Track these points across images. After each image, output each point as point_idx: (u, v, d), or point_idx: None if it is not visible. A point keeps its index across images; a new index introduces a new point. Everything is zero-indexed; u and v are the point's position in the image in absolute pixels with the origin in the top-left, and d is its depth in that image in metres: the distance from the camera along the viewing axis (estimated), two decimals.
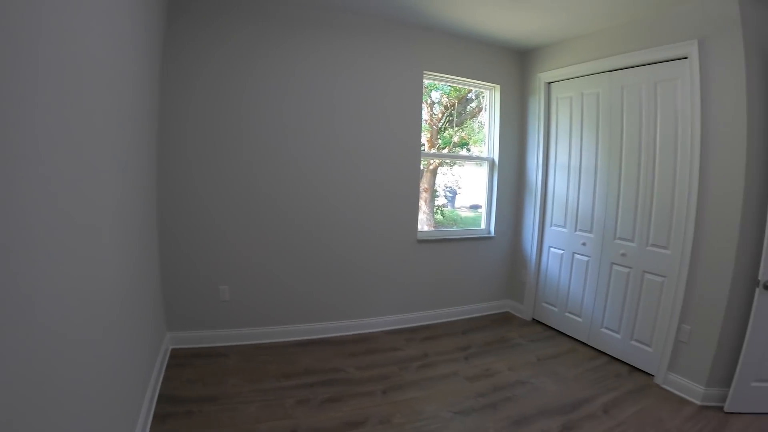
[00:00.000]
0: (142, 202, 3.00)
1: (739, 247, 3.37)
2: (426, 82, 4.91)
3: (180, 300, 3.94)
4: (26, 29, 1.15)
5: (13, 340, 1.10)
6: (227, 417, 2.98)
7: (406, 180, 4.72)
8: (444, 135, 6.40)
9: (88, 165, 1.71)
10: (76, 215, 1.59)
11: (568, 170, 4.87)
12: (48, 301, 1.33)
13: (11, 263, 1.10)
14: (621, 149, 4.27)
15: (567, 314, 4.89)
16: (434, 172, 6.56)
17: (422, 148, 5.09)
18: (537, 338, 4.80)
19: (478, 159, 5.68)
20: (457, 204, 6.92)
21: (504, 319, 5.38)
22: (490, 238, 5.40)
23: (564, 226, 4.93)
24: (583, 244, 4.68)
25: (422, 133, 4.84)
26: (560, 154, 4.96)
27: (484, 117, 5.54)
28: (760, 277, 3.26)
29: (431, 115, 6.23)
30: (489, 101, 5.40)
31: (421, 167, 5.00)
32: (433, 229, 5.85)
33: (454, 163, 6.53)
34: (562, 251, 4.96)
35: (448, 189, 6.98)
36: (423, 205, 6.27)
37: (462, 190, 6.70)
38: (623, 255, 4.27)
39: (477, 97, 5.95)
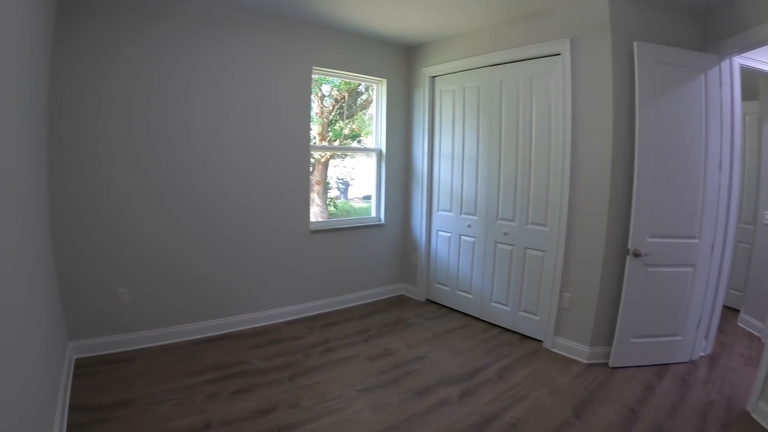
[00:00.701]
0: (34, 207, 2.83)
1: (609, 221, 3.82)
2: (315, 76, 4.98)
3: (80, 307, 3.73)
4: None
5: None
6: (141, 419, 2.93)
7: (296, 172, 4.77)
8: (335, 127, 6.50)
9: None
10: None
11: (452, 158, 5.19)
12: None
13: None
14: (500, 138, 4.65)
15: (458, 292, 5.24)
16: (326, 165, 6.64)
17: (314, 141, 5.18)
18: (432, 317, 5.08)
19: (366, 150, 5.86)
20: (350, 195, 7.04)
21: (400, 301, 5.62)
22: (381, 225, 5.60)
23: (450, 211, 5.27)
24: (469, 226, 5.04)
25: (313, 126, 4.92)
26: (444, 144, 5.27)
27: (373, 109, 5.74)
28: (629, 246, 3.73)
29: (322, 108, 6.31)
30: (376, 95, 5.58)
31: (312, 160, 5.09)
32: (326, 219, 5.95)
33: (346, 155, 6.66)
34: (449, 234, 5.29)
35: (341, 181, 7.11)
36: (316, 198, 6.34)
37: (355, 181, 6.85)
38: (506, 234, 4.67)
39: (367, 89, 6.11)
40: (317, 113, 6.20)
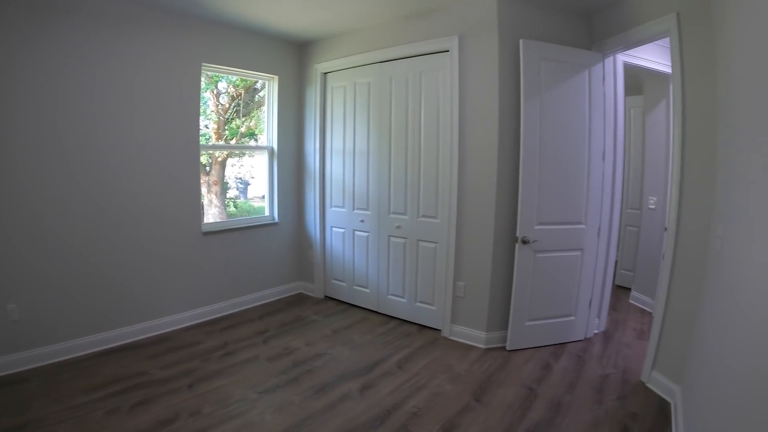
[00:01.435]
0: None
1: (497, 211, 3.94)
2: (209, 73, 4.79)
3: None
4: None
5: None
6: None
7: (186, 173, 4.51)
8: (231, 125, 6.31)
9: None
10: None
11: (343, 154, 5.15)
12: None
13: None
14: (390, 133, 4.67)
15: (356, 287, 5.20)
16: (223, 164, 6.42)
17: (210, 140, 4.97)
18: (331, 313, 5.03)
19: (257, 148, 5.72)
20: (250, 195, 6.85)
21: (298, 300, 5.51)
22: (275, 224, 5.46)
23: (343, 207, 5.22)
24: (362, 221, 5.02)
25: (210, 124, 4.71)
26: (336, 140, 5.22)
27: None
28: (518, 234, 3.84)
29: (218, 105, 6.09)
30: (268, 92, 5.43)
31: (209, 159, 4.87)
32: (223, 220, 5.75)
33: (244, 154, 6.47)
34: (343, 230, 5.25)
35: (240, 180, 6.91)
36: (214, 199, 6.13)
37: (255, 180, 6.67)
38: (398, 227, 4.69)
39: (264, 86, 5.97)
40: (213, 110, 5.97)
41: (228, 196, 6.73)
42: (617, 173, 4.30)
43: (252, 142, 6.27)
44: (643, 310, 5.27)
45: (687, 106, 3.14)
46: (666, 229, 3.42)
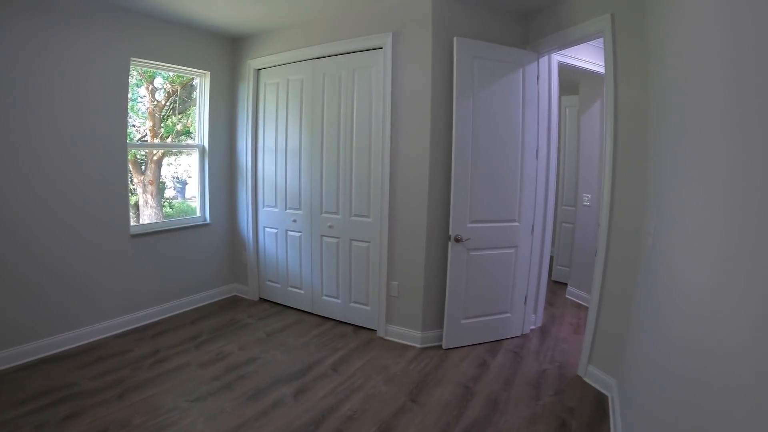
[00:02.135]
0: None
1: (429, 209, 3.94)
2: (140, 68, 4.57)
3: None
4: None
5: None
6: None
7: (113, 172, 4.28)
8: (167, 123, 6.10)
9: None
10: None
11: (275, 153, 5.05)
12: None
13: None
14: (322, 131, 4.61)
15: (290, 288, 5.11)
16: (159, 163, 6.22)
17: (146, 138, 4.77)
18: (265, 315, 4.92)
19: (187, 147, 5.54)
20: (188, 195, 6.65)
21: (232, 302, 5.37)
22: (207, 225, 5.29)
23: (275, 206, 5.12)
24: (294, 221, 4.94)
25: (147, 122, 4.51)
26: (268, 138, 5.10)
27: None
28: (450, 233, 3.83)
29: (153, 102, 5.88)
30: (199, 88, 5.25)
31: (144, 158, 4.67)
32: (155, 221, 5.56)
33: (181, 153, 6.27)
34: (276, 230, 5.15)
35: (177, 180, 6.71)
36: (150, 199, 5.94)
37: (192, 180, 6.48)
38: (331, 227, 4.64)
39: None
40: (149, 108, 5.75)
41: (165, 196, 6.53)
42: (551, 171, 4.37)
43: (190, 140, 6.09)
44: (580, 304, 5.39)
45: (619, 105, 3.21)
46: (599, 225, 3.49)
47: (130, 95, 4.43)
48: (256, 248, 5.36)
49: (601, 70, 4.53)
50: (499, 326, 4.23)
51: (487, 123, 3.89)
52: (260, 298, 5.45)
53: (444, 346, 4.03)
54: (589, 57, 4.59)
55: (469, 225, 3.90)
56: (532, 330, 4.49)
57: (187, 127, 6.05)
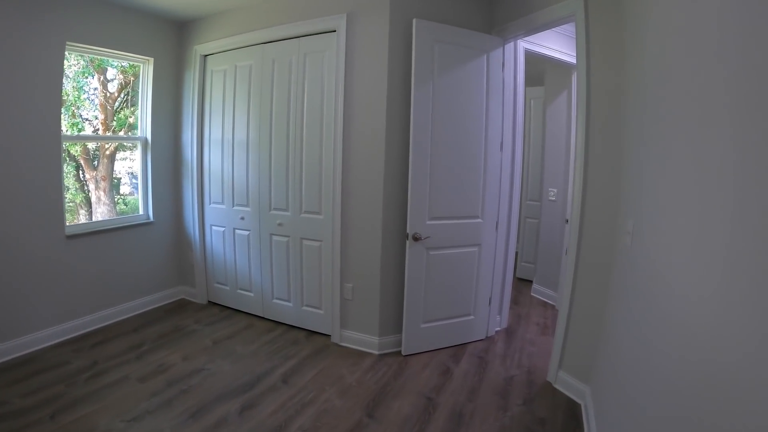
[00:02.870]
0: None
1: (384, 205, 3.69)
2: (88, 57, 4.22)
3: None
4: None
5: None
6: None
7: (44, 168, 3.90)
8: (119, 116, 5.77)
9: None
10: None
11: (221, 145, 4.73)
12: None
13: None
14: (271, 122, 4.31)
15: (239, 291, 4.81)
16: (112, 159, 5.89)
17: (98, 131, 4.42)
18: (213, 321, 4.61)
19: (128, 139, 5.19)
20: None
21: (179, 306, 5.03)
22: (151, 223, 4.94)
23: (222, 203, 4.80)
24: (242, 218, 4.64)
25: (98, 114, 4.16)
26: (215, 129, 4.77)
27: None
28: (408, 231, 3.60)
29: (105, 94, 5.54)
30: (142, 76, 4.88)
31: (96, 153, 4.32)
32: (95, 221, 5.23)
33: (136, 147, 5.95)
34: (223, 228, 4.84)
35: (133, 176, 6.38)
36: (103, 196, 5.61)
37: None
38: (280, 225, 4.35)
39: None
40: (100, 101, 5.41)
41: (121, 192, 6.21)
42: (516, 164, 4.18)
43: (131, 133, 5.76)
44: (546, 302, 5.26)
45: (592, 93, 3.03)
46: (567, 221, 3.30)
47: (77, 85, 4.09)
48: (203, 248, 5.03)
49: (569, 58, 4.39)
50: (463, 329, 4.03)
51: (448, 113, 3.65)
52: (209, 302, 5.12)
53: (403, 353, 3.81)
54: (556, 45, 4.41)
55: (429, 222, 3.67)
56: (497, 332, 4.31)
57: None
